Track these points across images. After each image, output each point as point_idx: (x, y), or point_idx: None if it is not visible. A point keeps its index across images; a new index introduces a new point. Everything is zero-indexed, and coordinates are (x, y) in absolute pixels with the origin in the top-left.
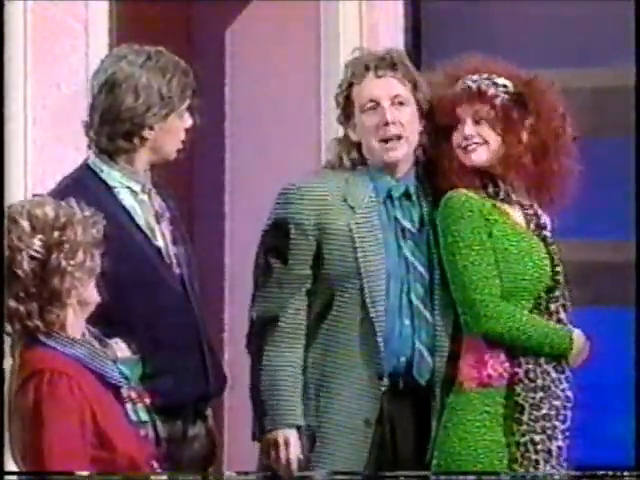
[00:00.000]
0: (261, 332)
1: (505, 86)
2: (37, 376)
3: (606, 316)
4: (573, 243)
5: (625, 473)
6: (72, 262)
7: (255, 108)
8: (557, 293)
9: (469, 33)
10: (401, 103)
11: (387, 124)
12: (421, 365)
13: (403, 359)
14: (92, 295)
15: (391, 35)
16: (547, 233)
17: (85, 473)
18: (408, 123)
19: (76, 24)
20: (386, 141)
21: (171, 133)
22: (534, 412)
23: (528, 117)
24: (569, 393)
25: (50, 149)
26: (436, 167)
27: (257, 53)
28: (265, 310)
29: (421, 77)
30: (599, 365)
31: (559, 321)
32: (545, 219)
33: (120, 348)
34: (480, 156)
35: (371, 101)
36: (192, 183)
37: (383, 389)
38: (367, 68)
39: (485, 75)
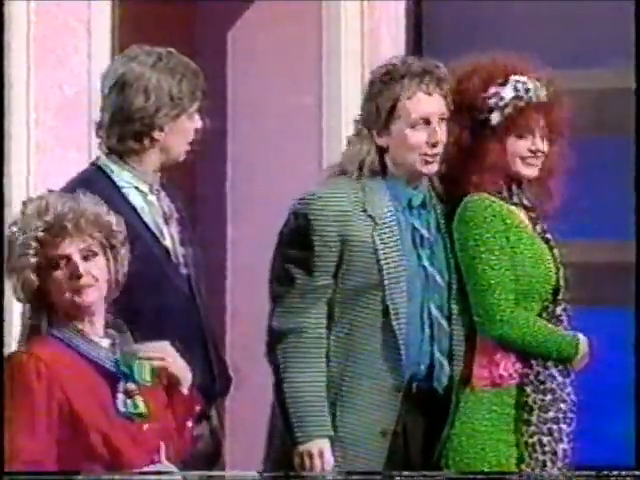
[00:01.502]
0: (283, 344)
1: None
2: (10, 359)
3: (606, 317)
4: (572, 244)
5: (624, 472)
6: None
7: (257, 109)
8: (561, 296)
9: (470, 35)
10: (442, 122)
11: (437, 143)
12: (440, 374)
13: (423, 367)
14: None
15: (392, 37)
16: (549, 236)
17: (88, 473)
18: (444, 140)
19: (78, 25)
20: (426, 155)
21: (181, 134)
22: (542, 414)
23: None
24: (574, 397)
25: (52, 150)
26: (460, 164)
27: (259, 54)
28: (287, 321)
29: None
30: (599, 366)
31: (562, 324)
32: (545, 223)
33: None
34: (536, 171)
35: (422, 118)
36: (194, 185)
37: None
38: (418, 83)
39: (542, 81)
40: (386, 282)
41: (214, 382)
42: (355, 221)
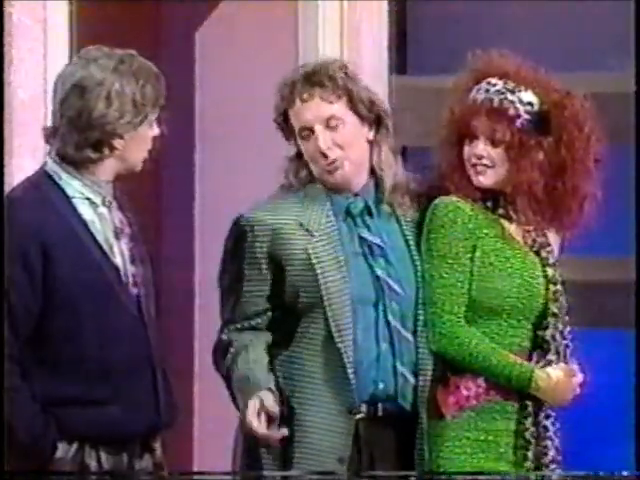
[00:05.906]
0: (231, 347)
1: (530, 104)
2: None
3: (605, 337)
4: (568, 260)
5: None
6: None
7: (226, 112)
8: (550, 319)
9: (458, 34)
10: (336, 126)
11: (323, 153)
12: (405, 389)
13: (382, 385)
14: None
15: (374, 36)
16: (546, 254)
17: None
18: (347, 143)
19: (34, 24)
20: (321, 165)
21: (141, 142)
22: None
23: (548, 137)
24: (546, 423)
25: (5, 157)
26: (439, 172)
27: (229, 55)
28: (230, 333)
29: (356, 83)
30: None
31: (549, 351)
32: (548, 239)
33: None
34: (488, 179)
35: (305, 128)
36: (160, 193)
37: (358, 417)
38: (293, 91)
39: (512, 85)
40: (325, 298)
41: (160, 413)
42: (289, 237)
